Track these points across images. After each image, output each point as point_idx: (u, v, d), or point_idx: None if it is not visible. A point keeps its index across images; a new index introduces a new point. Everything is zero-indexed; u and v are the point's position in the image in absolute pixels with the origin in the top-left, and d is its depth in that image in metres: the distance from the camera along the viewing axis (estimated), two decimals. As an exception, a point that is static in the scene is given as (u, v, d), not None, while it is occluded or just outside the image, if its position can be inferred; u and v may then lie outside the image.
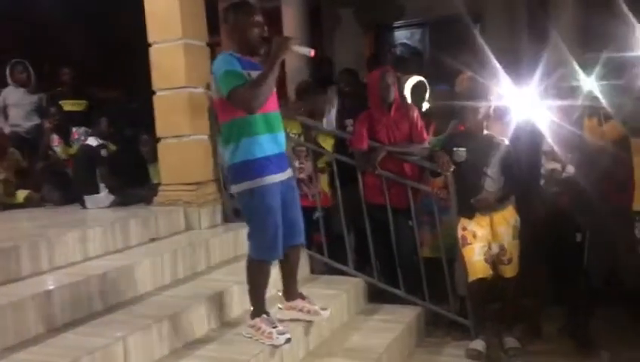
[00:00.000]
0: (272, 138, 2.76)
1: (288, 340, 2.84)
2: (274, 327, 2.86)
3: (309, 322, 3.17)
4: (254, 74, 2.71)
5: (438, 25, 7.67)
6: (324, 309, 3.17)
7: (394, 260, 3.95)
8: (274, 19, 7.57)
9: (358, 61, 7.23)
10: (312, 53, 2.77)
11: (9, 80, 5.66)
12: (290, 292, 3.16)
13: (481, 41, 6.44)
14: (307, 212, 4.02)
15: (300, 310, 3.13)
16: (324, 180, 4.30)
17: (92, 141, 4.86)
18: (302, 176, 4.25)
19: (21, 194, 5.08)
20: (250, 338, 2.90)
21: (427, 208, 4.02)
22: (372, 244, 4.01)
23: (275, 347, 2.82)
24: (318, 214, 4.15)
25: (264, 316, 2.91)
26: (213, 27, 4.54)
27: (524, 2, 6.88)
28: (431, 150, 3.88)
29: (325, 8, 8.29)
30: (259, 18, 2.79)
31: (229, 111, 2.72)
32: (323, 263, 4.18)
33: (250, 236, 2.87)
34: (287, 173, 2.89)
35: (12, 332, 2.52)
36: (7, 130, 5.52)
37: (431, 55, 7.45)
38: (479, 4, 6.58)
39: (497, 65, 4.95)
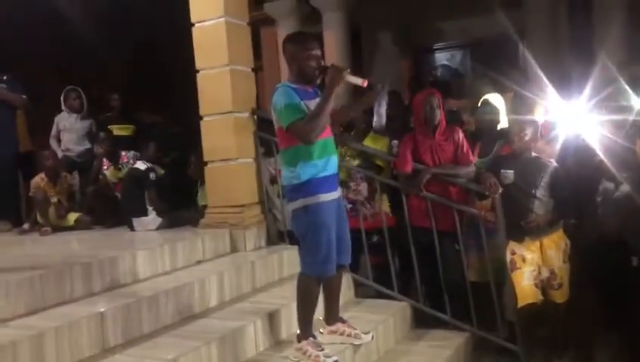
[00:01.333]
0: (325, 161, 2.89)
1: None
2: (321, 350, 2.87)
3: (357, 346, 3.16)
4: (310, 103, 2.83)
5: (478, 45, 7.65)
6: (365, 333, 3.18)
7: (440, 284, 3.90)
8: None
9: (398, 84, 7.26)
10: (365, 83, 2.86)
11: (63, 106, 5.86)
12: (332, 315, 3.18)
13: (524, 59, 6.42)
14: (366, 234, 4.09)
15: (341, 334, 3.16)
16: (384, 200, 4.27)
17: (140, 165, 4.98)
18: (359, 197, 4.26)
19: (72, 217, 5.22)
20: (298, 361, 2.90)
21: (474, 231, 3.96)
22: (417, 268, 3.96)
23: (323, 370, 2.80)
24: (375, 238, 4.16)
25: (311, 339, 2.93)
26: (255, 53, 4.64)
27: (567, 18, 6.82)
28: (477, 172, 3.83)
29: (365, 32, 8.38)
30: (316, 50, 2.89)
31: (288, 139, 2.87)
32: (369, 287, 4.14)
33: (303, 252, 2.95)
34: (338, 193, 2.99)
35: (68, 352, 2.59)
36: (59, 154, 5.70)
37: (473, 76, 7.42)
38: (520, 22, 6.53)
39: (542, 83, 4.90)
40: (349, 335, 3.14)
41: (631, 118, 3.81)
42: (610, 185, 3.59)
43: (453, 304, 3.87)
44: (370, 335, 3.19)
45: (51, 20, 6.84)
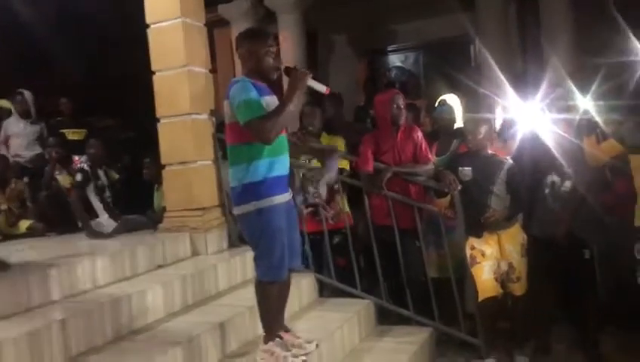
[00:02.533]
0: (279, 160, 2.80)
1: None
2: (288, 350, 2.84)
3: (321, 347, 3.13)
4: (269, 99, 2.76)
5: (431, 47, 7.80)
6: (309, 342, 3.04)
7: (402, 281, 3.95)
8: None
9: (351, 85, 7.33)
10: (328, 90, 2.84)
11: (12, 110, 5.66)
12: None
13: (477, 60, 6.59)
14: (328, 235, 4.11)
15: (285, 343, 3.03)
16: (343, 201, 4.29)
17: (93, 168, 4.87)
18: (317, 200, 4.23)
19: (23, 224, 5.05)
20: (265, 363, 2.87)
21: (433, 228, 4.04)
22: (380, 265, 4.01)
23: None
24: (337, 239, 4.18)
25: (277, 339, 2.89)
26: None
27: (517, 19, 7.02)
28: (436, 170, 3.91)
29: (320, 34, 8.42)
30: (273, 47, 2.83)
31: (240, 135, 2.74)
32: (334, 287, 4.15)
33: (257, 258, 2.84)
34: (289, 195, 2.90)
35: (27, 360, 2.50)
36: (8, 160, 5.50)
37: (426, 77, 7.57)
38: (473, 24, 6.69)
39: (495, 82, 5.05)
40: (292, 345, 2.97)
41: (578, 116, 3.96)
42: (557, 179, 3.71)
43: (415, 300, 3.93)
44: (314, 344, 3.04)
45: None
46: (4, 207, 5.02)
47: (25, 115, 5.73)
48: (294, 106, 2.74)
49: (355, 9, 7.46)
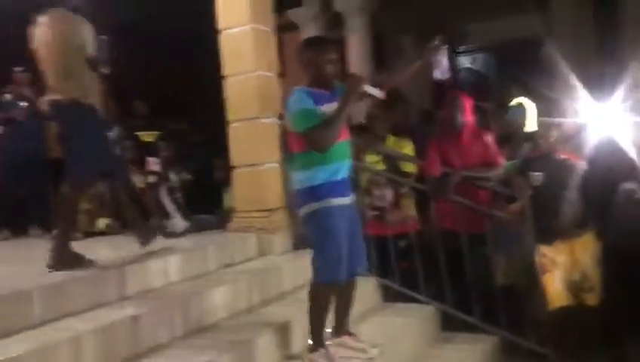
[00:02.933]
0: (338, 166, 2.85)
1: None
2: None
3: (385, 353, 3.14)
4: (326, 107, 2.79)
5: (501, 48, 7.61)
6: (373, 347, 3.08)
7: (468, 287, 3.88)
8: (339, 47, 7.72)
9: (421, 88, 7.25)
10: (383, 96, 2.86)
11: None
12: (339, 327, 3.11)
13: (550, 61, 6.35)
14: (393, 240, 4.09)
15: (348, 347, 3.08)
16: (410, 205, 4.25)
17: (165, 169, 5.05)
18: (383, 204, 4.24)
19: (102, 223, 5.31)
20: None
21: (502, 234, 3.94)
22: (445, 271, 3.95)
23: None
24: (403, 243, 4.16)
25: (322, 350, 2.89)
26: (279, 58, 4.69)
27: (593, 18, 6.74)
28: (506, 174, 3.82)
29: (388, 37, 8.38)
30: (333, 55, 2.88)
31: (299, 143, 2.84)
32: (398, 291, 4.13)
33: (313, 259, 2.90)
34: (350, 199, 2.93)
35: (103, 355, 2.63)
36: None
37: (497, 78, 7.39)
38: (546, 24, 6.48)
39: (569, 84, 4.85)
40: (355, 349, 3.05)
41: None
42: (635, 186, 3.53)
43: (482, 307, 3.84)
44: (377, 349, 3.08)
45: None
46: (85, 207, 5.29)
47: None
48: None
49: (423, 10, 7.39)
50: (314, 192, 2.80)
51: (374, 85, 2.88)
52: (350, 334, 3.12)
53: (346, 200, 2.88)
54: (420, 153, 4.36)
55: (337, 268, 2.79)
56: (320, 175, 2.79)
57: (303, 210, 2.86)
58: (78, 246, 4.76)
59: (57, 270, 3.23)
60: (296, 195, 2.93)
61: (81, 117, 3.40)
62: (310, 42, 3.03)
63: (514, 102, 4.29)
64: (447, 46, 3.02)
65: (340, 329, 3.11)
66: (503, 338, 3.80)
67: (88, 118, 3.43)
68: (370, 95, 2.88)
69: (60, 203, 3.54)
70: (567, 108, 4.33)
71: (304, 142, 2.78)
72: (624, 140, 3.54)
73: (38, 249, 3.90)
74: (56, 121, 3.56)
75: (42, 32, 3.39)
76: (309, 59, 2.88)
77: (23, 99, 5.65)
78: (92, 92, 3.49)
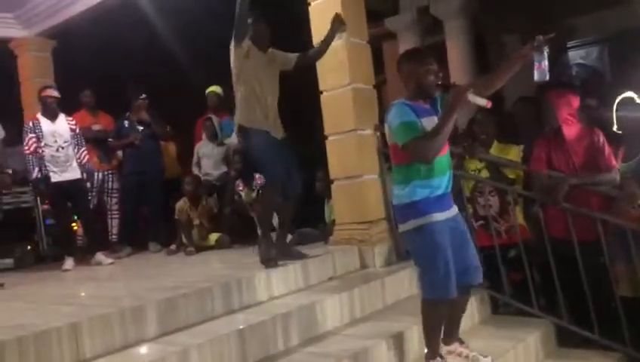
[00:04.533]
0: (439, 180, 2.82)
1: None
2: None
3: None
4: (427, 120, 2.77)
5: (617, 40, 7.06)
6: (485, 356, 3.03)
7: (586, 299, 3.61)
8: (438, 53, 7.56)
9: (530, 88, 6.90)
10: (489, 104, 2.75)
11: (204, 135, 6.31)
12: (450, 335, 3.09)
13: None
14: (502, 250, 3.93)
15: (459, 355, 3.06)
16: (517, 213, 4.07)
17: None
18: (490, 213, 4.08)
19: (213, 237, 5.58)
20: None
21: (621, 241, 3.64)
22: (558, 282, 3.71)
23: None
24: (512, 253, 3.97)
25: (438, 359, 2.89)
26: (378, 67, 4.67)
27: None
28: (621, 178, 3.53)
29: (490, 38, 8.09)
30: (433, 65, 2.85)
31: (400, 156, 2.84)
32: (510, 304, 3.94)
33: (421, 275, 2.91)
34: (453, 211, 2.90)
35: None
36: (200, 179, 6.12)
37: (612, 73, 6.87)
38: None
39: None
40: (466, 357, 3.03)
41: None
42: None
43: (601, 321, 3.57)
44: (489, 358, 3.03)
45: (188, 57, 7.41)
46: (197, 222, 5.58)
47: (212, 137, 6.32)
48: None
49: (526, 6, 7.05)
50: (415, 208, 2.78)
51: (477, 93, 2.77)
52: (462, 342, 3.10)
53: (449, 213, 2.85)
54: (529, 158, 4.14)
55: (446, 284, 2.76)
56: (420, 191, 2.77)
57: (404, 227, 2.85)
58: (192, 259, 5.09)
59: (269, 266, 3.71)
60: (395, 210, 2.94)
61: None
62: (409, 54, 3.04)
63: (621, 97, 3.96)
64: (547, 46, 2.84)
65: (451, 337, 3.09)
66: (627, 355, 3.49)
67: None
68: (476, 105, 2.80)
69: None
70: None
71: (405, 155, 2.77)
72: None
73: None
74: None
75: None
76: (409, 71, 2.88)
77: (142, 123, 6.07)
78: None
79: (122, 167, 6.24)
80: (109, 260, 5.25)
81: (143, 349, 2.78)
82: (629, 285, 3.67)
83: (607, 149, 3.67)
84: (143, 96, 6.13)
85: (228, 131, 6.01)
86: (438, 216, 2.78)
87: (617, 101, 4.08)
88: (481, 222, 4.17)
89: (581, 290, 3.61)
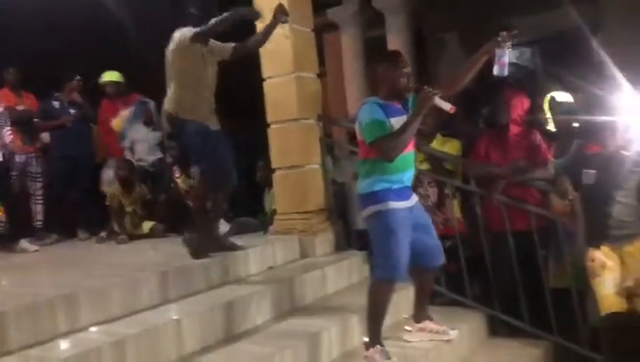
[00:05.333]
0: (401, 175, 2.98)
1: None
2: (388, 359, 2.88)
3: (429, 356, 3.13)
4: (396, 120, 2.90)
5: (549, 42, 7.35)
6: (453, 329, 3.28)
7: (516, 290, 3.74)
8: (379, 47, 7.62)
9: (465, 85, 7.07)
10: (453, 110, 2.87)
11: (125, 115, 6.08)
12: (420, 313, 3.30)
13: (599, 55, 6.11)
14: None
15: (430, 331, 3.27)
16: (455, 206, 4.16)
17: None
18: (427, 203, 4.16)
19: (146, 225, 5.39)
20: (365, 370, 2.87)
21: (552, 235, 3.80)
22: (492, 273, 3.84)
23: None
24: (448, 243, 4.03)
25: (378, 347, 2.93)
26: (318, 59, 4.64)
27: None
28: (554, 174, 3.68)
29: (429, 35, 8.23)
30: (406, 69, 3.00)
31: (367, 151, 2.99)
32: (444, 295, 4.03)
33: (375, 257, 3.07)
34: (412, 200, 3.05)
35: (147, 357, 2.65)
36: (134, 164, 5.90)
37: (544, 73, 7.14)
38: (595, 16, 6.24)
39: (620, 80, 4.64)
40: (437, 332, 3.26)
41: None
42: None
43: (532, 311, 3.71)
44: (456, 331, 3.29)
45: (125, 39, 7.11)
46: (129, 209, 5.38)
47: (148, 122, 6.11)
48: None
49: (465, 5, 7.22)
50: (374, 196, 2.94)
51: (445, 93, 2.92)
52: (431, 319, 3.31)
53: (408, 203, 3.00)
54: (468, 152, 4.25)
55: (396, 266, 2.91)
56: (379, 183, 2.94)
57: (364, 213, 3.01)
58: (125, 247, 4.91)
59: (200, 259, 3.61)
60: (359, 199, 3.07)
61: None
62: (384, 56, 3.20)
63: (550, 96, 4.13)
64: (511, 42, 2.93)
65: (421, 315, 3.31)
66: (555, 344, 3.65)
67: None
68: (440, 108, 2.91)
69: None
70: (617, 104, 4.15)
71: (371, 150, 2.93)
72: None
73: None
74: None
75: None
76: (383, 72, 3.02)
77: (73, 104, 5.78)
78: None
79: (48, 150, 5.90)
80: (34, 247, 4.98)
81: (75, 339, 2.64)
82: (558, 277, 3.85)
83: (544, 146, 3.83)
84: (78, 77, 5.82)
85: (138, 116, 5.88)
86: (396, 205, 2.91)
87: (548, 100, 4.26)
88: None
89: (514, 282, 3.75)
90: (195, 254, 3.67)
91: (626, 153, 3.41)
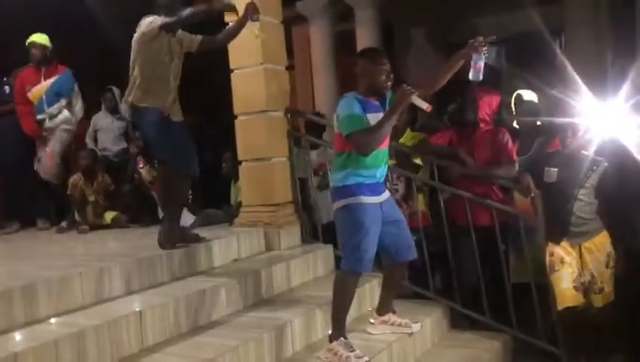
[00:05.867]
0: (374, 171, 3.01)
1: None
2: (351, 351, 2.89)
3: (392, 349, 3.15)
4: (373, 116, 2.93)
5: (514, 42, 7.48)
6: (415, 322, 3.32)
7: (479, 284, 3.81)
8: (348, 41, 7.64)
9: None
10: (429, 108, 2.93)
11: (102, 106, 5.94)
12: (384, 306, 3.34)
13: (561, 57, 6.26)
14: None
15: (392, 324, 3.30)
16: (421, 200, 4.21)
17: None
18: (395, 196, 4.19)
19: (109, 216, 5.29)
20: (329, 362, 2.89)
21: (512, 231, 3.88)
22: (455, 267, 3.90)
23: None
24: (413, 237, 4.08)
25: (342, 339, 2.95)
26: (286, 51, 4.62)
27: (608, 12, 6.61)
28: (518, 171, 3.76)
29: (397, 30, 8.30)
30: (386, 66, 2.99)
31: (343, 144, 3.00)
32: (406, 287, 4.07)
33: (342, 249, 3.09)
34: (384, 196, 3.07)
35: (109, 350, 2.61)
36: (97, 153, 5.77)
37: (508, 73, 7.28)
38: (558, 18, 6.38)
39: (581, 80, 4.75)
40: (399, 325, 3.29)
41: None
42: None
43: (494, 305, 3.79)
44: (419, 324, 3.33)
45: (85, 22, 6.91)
46: (91, 198, 5.27)
47: (113, 110, 5.99)
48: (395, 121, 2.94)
49: (433, 2, 7.30)
50: (345, 190, 2.97)
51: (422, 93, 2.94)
52: (394, 312, 3.35)
53: (379, 198, 3.02)
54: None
55: (361, 258, 2.92)
56: (352, 177, 2.96)
57: (335, 206, 3.04)
58: (87, 238, 4.81)
59: (166, 249, 3.59)
60: (331, 192, 3.12)
61: None
62: (365, 53, 3.23)
63: (515, 94, 4.22)
64: (487, 47, 2.95)
65: (385, 308, 3.34)
66: (514, 337, 3.74)
67: None
68: (416, 107, 2.96)
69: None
70: (579, 104, 4.25)
71: (346, 144, 2.95)
72: (630, 141, 3.45)
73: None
74: None
75: None
76: (363, 68, 3.02)
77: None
78: None
79: None
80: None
81: (33, 331, 2.58)
82: (518, 272, 3.94)
83: (510, 145, 3.91)
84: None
85: (67, 88, 5.57)
86: (366, 199, 2.94)
87: (513, 98, 4.34)
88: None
89: (474, 275, 3.82)
90: (160, 244, 3.65)
91: (585, 153, 3.50)
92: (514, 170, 3.83)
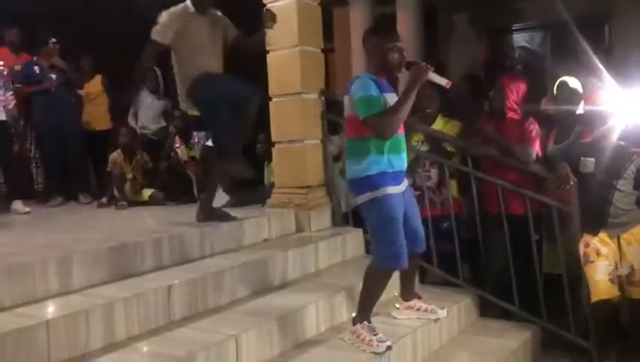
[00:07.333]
0: (394, 158, 2.85)
1: (389, 348, 2.80)
2: (374, 335, 2.86)
3: (416, 334, 3.14)
4: (389, 96, 2.80)
5: (560, 27, 7.24)
6: (441, 308, 3.27)
7: (510, 274, 3.76)
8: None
9: (472, 66, 7.00)
10: (449, 84, 2.80)
11: (144, 86, 6.06)
12: (408, 292, 3.31)
13: (611, 42, 6.03)
14: (436, 221, 4.00)
15: (418, 309, 3.27)
16: (453, 186, 4.15)
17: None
18: (428, 184, 4.15)
19: (146, 193, 5.43)
20: (352, 344, 2.90)
21: (546, 221, 3.80)
22: (486, 255, 3.85)
23: (376, 354, 2.79)
24: (446, 224, 4.03)
25: (365, 323, 2.93)
26: (326, 34, 4.60)
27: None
28: (552, 159, 3.67)
29: (440, 13, 8.13)
30: (399, 43, 2.83)
31: (358, 129, 2.81)
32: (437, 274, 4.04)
33: (374, 245, 2.97)
34: (404, 185, 2.95)
35: (136, 322, 2.69)
36: (136, 131, 5.91)
37: (553, 59, 7.07)
38: (607, 3, 6.14)
39: (628, 67, 4.59)
40: (425, 311, 3.25)
41: None
42: None
43: (524, 296, 3.73)
44: (445, 310, 3.28)
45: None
46: (130, 176, 5.41)
47: (154, 90, 6.11)
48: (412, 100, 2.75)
49: (477, -14, 7.12)
50: (369, 181, 2.80)
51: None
52: (419, 297, 3.31)
53: (401, 187, 2.90)
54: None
55: (398, 255, 2.82)
56: (375, 166, 2.79)
57: (360, 199, 2.87)
58: (123, 213, 4.95)
59: (199, 220, 3.83)
60: (351, 183, 2.94)
61: None
62: (375, 28, 2.99)
63: (558, 81, 4.10)
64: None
65: (409, 294, 3.31)
66: (544, 328, 3.68)
67: None
68: (435, 83, 2.83)
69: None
70: (626, 91, 4.11)
71: (362, 129, 2.77)
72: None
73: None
74: None
75: None
76: (374, 45, 2.86)
77: (54, 70, 5.68)
78: None
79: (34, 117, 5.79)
80: (26, 209, 4.97)
81: (66, 300, 2.67)
82: (551, 263, 3.86)
83: (534, 134, 3.84)
84: (53, 40, 5.66)
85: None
86: (392, 190, 2.81)
87: (556, 85, 4.22)
88: (417, 193, 4.23)
89: (507, 264, 3.76)
90: (197, 216, 3.87)
91: (623, 143, 3.40)
92: (529, 154, 3.78)
